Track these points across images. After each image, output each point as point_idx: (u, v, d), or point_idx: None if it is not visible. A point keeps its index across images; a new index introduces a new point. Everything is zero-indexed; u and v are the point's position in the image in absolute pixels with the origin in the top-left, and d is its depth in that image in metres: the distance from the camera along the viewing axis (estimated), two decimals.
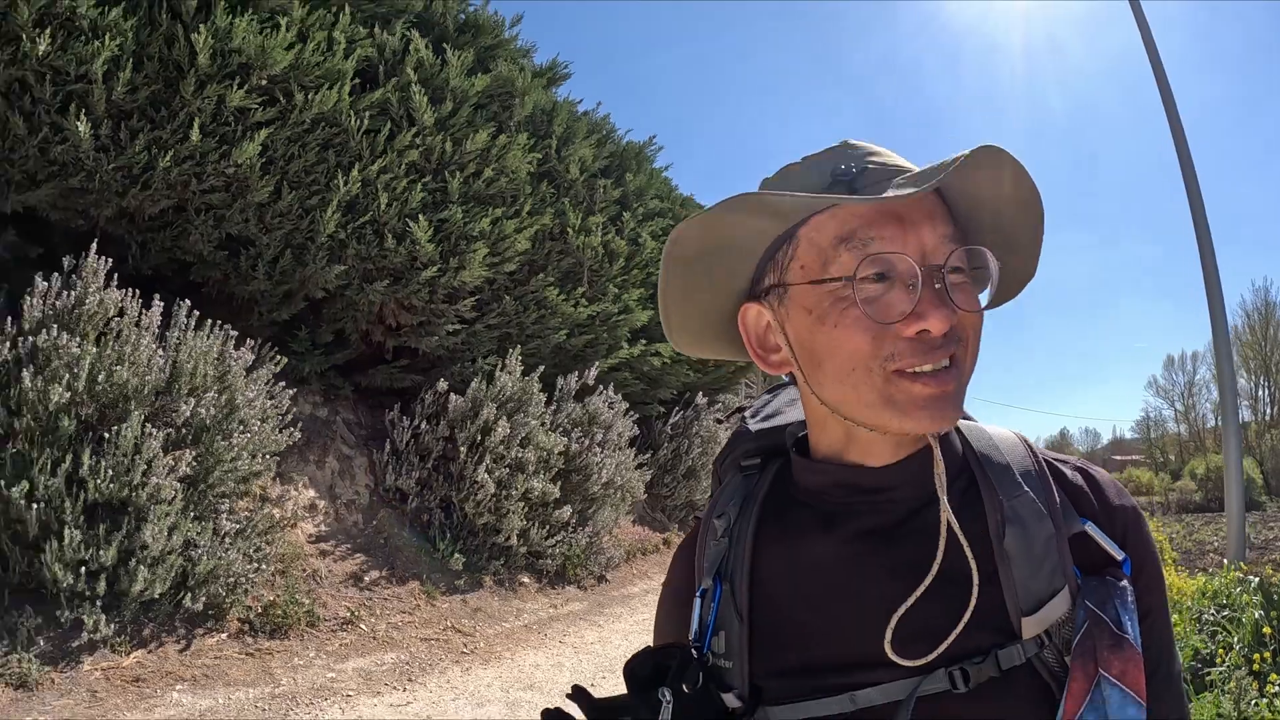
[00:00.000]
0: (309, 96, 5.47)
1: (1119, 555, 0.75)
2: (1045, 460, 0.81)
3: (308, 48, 5.41)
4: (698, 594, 0.84)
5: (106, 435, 4.12)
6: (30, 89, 4.54)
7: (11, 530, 4.07)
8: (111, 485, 4.03)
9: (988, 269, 0.75)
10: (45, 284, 4.40)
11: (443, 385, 6.73)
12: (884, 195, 0.69)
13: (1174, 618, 5.44)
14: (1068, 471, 0.81)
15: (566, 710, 0.74)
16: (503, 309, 7.20)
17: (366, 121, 5.82)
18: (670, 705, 0.73)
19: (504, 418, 6.60)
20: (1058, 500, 0.76)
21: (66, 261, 4.58)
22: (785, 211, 0.76)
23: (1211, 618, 4.88)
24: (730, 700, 0.78)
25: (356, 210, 5.88)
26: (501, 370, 6.92)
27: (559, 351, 8.01)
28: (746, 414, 1.00)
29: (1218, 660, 4.26)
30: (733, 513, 0.86)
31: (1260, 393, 35.09)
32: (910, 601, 0.72)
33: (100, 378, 4.18)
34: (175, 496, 4.21)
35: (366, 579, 5.71)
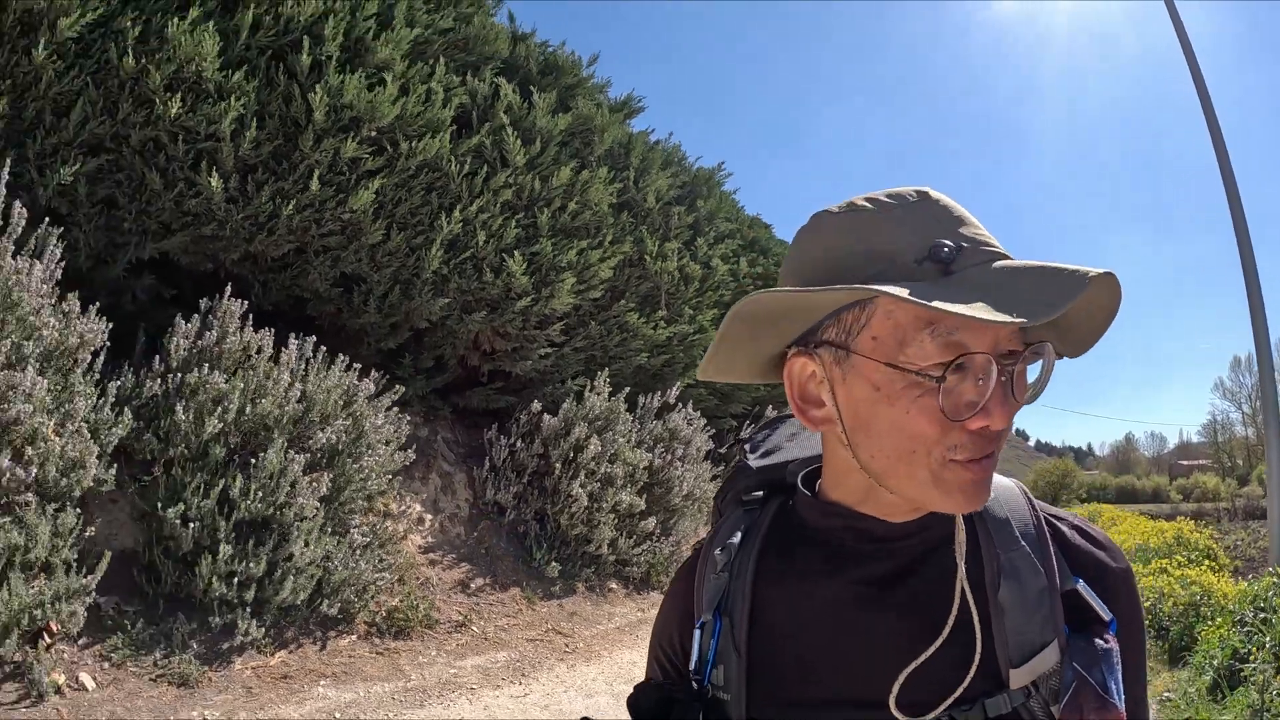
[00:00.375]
0: (413, 145, 5.89)
1: (1107, 616, 0.76)
2: (1044, 516, 0.83)
3: (410, 100, 5.84)
4: (697, 626, 0.85)
5: (254, 460, 4.56)
6: (164, 148, 5.02)
7: (164, 546, 4.53)
8: (259, 505, 4.46)
9: (1042, 355, 0.74)
10: (185, 324, 4.88)
11: (536, 406, 7.11)
12: (997, 318, 0.63)
13: (1218, 620, 5.53)
14: (1065, 529, 0.82)
15: None
16: (588, 333, 7.57)
17: (466, 165, 6.24)
18: None
19: (594, 435, 6.95)
20: (1053, 556, 0.78)
21: (203, 303, 5.06)
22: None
23: (1249, 619, 5.01)
24: None
25: (457, 247, 6.29)
26: (590, 391, 7.28)
27: (639, 371, 8.34)
28: (746, 447, 1.00)
29: (1251, 658, 4.44)
30: (733, 546, 0.87)
31: None
32: (919, 662, 0.73)
33: (246, 410, 4.63)
34: (317, 514, 4.64)
35: (472, 586, 6.10)
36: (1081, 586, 0.76)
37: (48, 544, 3.75)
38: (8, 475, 3.60)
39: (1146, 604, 7.33)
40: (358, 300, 6.08)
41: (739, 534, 0.87)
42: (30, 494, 3.79)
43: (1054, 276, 0.65)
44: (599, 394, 7.26)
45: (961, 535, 0.76)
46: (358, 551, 4.97)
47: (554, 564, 6.63)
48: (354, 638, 4.97)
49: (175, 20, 4.77)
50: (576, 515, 6.81)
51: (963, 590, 0.75)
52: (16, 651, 3.63)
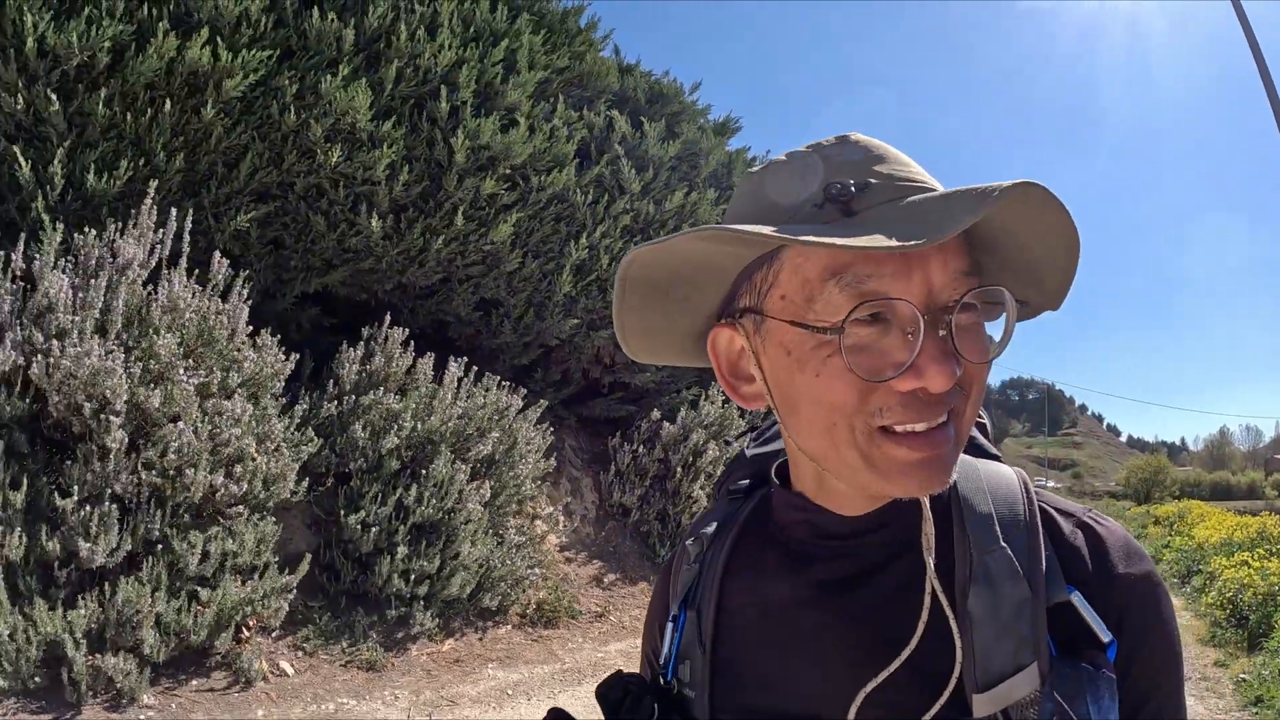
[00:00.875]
0: (542, 179, 6.34)
1: (1105, 637, 0.63)
2: (1044, 510, 0.70)
3: (538, 138, 6.29)
4: (669, 619, 0.80)
5: (424, 471, 5.06)
6: (326, 193, 5.56)
7: (342, 548, 5.05)
8: (429, 510, 4.95)
9: (1002, 305, 0.64)
10: (353, 350, 5.41)
11: (656, 414, 7.50)
12: (878, 244, 0.55)
13: None
14: (1066, 527, 0.69)
15: None
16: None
17: (589, 195, 6.67)
18: None
19: (711, 440, 7.30)
20: (1043, 561, 0.65)
21: (365, 331, 5.60)
22: (760, 242, 0.63)
23: None
24: None
25: (583, 271, 6.72)
26: (704, 399, 7.62)
27: None
28: (751, 435, 0.92)
29: None
30: (706, 538, 0.81)
31: None
32: (878, 680, 0.64)
33: (417, 426, 5.13)
34: (481, 518, 5.12)
35: (605, 580, 6.52)
36: (1077, 599, 0.63)
37: (253, 549, 4.28)
38: (221, 491, 4.14)
39: (1228, 594, 7.35)
40: (495, 322, 6.57)
41: (714, 525, 0.82)
42: (241, 506, 4.34)
43: (962, 197, 0.57)
44: (712, 402, 7.60)
45: (929, 528, 0.65)
46: (512, 550, 5.43)
47: None
48: (509, 627, 5.43)
49: (328, 77, 5.30)
50: (693, 512, 7.17)
51: (934, 595, 0.64)
52: (227, 644, 4.16)
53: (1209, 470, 52.34)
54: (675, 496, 7.27)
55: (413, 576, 4.87)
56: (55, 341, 3.70)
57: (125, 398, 3.73)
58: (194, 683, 3.97)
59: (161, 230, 4.33)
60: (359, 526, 4.81)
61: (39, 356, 3.65)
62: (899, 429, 0.60)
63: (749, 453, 0.88)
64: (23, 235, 4.03)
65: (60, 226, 4.15)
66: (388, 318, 5.59)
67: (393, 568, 4.80)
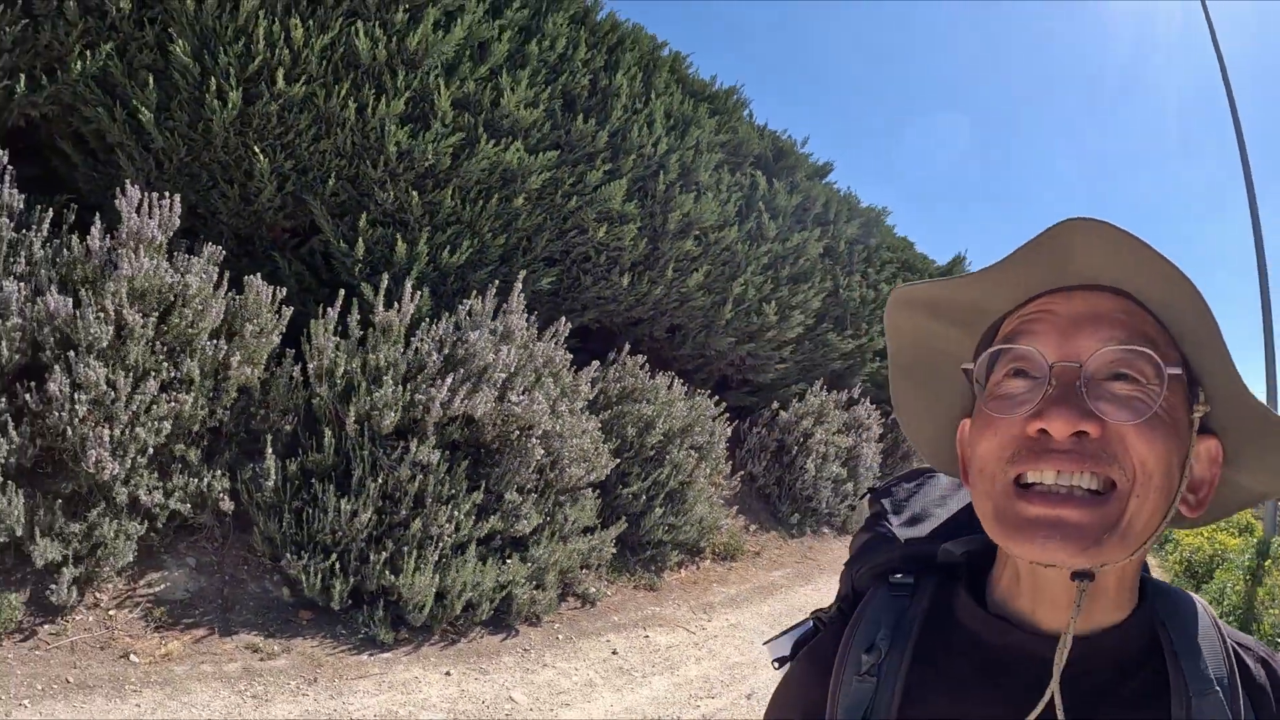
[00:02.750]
0: (717, 234, 8.21)
1: None
2: (1232, 646, 0.65)
3: (715, 204, 8.13)
4: None
5: (666, 455, 7.07)
6: (591, 258, 7.41)
7: (611, 510, 7.06)
8: (675, 483, 7.00)
9: (1163, 377, 0.61)
10: (604, 369, 7.35)
11: (775, 405, 9.54)
12: (971, 274, 0.63)
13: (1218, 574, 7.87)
14: (1250, 663, 0.65)
15: None
16: (804, 349, 9.92)
17: (745, 245, 8.56)
18: None
19: (817, 426, 9.37)
20: (1243, 705, 0.61)
21: (611, 355, 7.52)
22: (946, 310, 0.69)
23: None
24: None
25: (739, 301, 8.65)
26: (809, 393, 9.67)
27: (833, 374, 10.70)
28: (886, 507, 0.85)
29: None
30: (883, 646, 0.71)
31: None
32: None
33: (668, 426, 7.13)
34: (703, 487, 7.18)
35: (751, 529, 8.63)
36: None
37: (591, 514, 6.27)
38: (580, 477, 6.11)
39: (1185, 554, 9.63)
40: (678, 340, 8.51)
41: (885, 631, 0.72)
42: (588, 488, 6.31)
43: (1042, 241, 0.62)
44: (815, 395, 9.65)
45: (1071, 625, 0.61)
46: (715, 508, 7.51)
47: (795, 515, 9.14)
48: (708, 561, 7.54)
49: (590, 170, 7.09)
50: (806, 482, 9.28)
51: (1051, 702, 0.61)
52: (575, 579, 6.16)
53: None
54: (790, 468, 9.36)
55: (663, 528, 6.92)
56: (487, 388, 5.60)
57: (544, 426, 5.67)
58: (564, 604, 5.99)
59: (514, 298, 6.19)
60: (630, 495, 6.82)
61: (467, 399, 5.55)
62: (1031, 478, 0.60)
63: (900, 534, 0.81)
64: (396, 300, 5.88)
65: (426, 291, 5.96)
66: (626, 346, 7.52)
67: (654, 521, 6.84)
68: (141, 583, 4.35)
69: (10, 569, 4.03)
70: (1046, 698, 0.60)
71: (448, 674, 4.48)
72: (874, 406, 10.82)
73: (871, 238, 11.26)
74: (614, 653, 5.30)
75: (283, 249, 5.77)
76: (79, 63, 4.82)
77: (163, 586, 4.39)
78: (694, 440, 7.38)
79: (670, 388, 7.41)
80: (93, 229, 4.35)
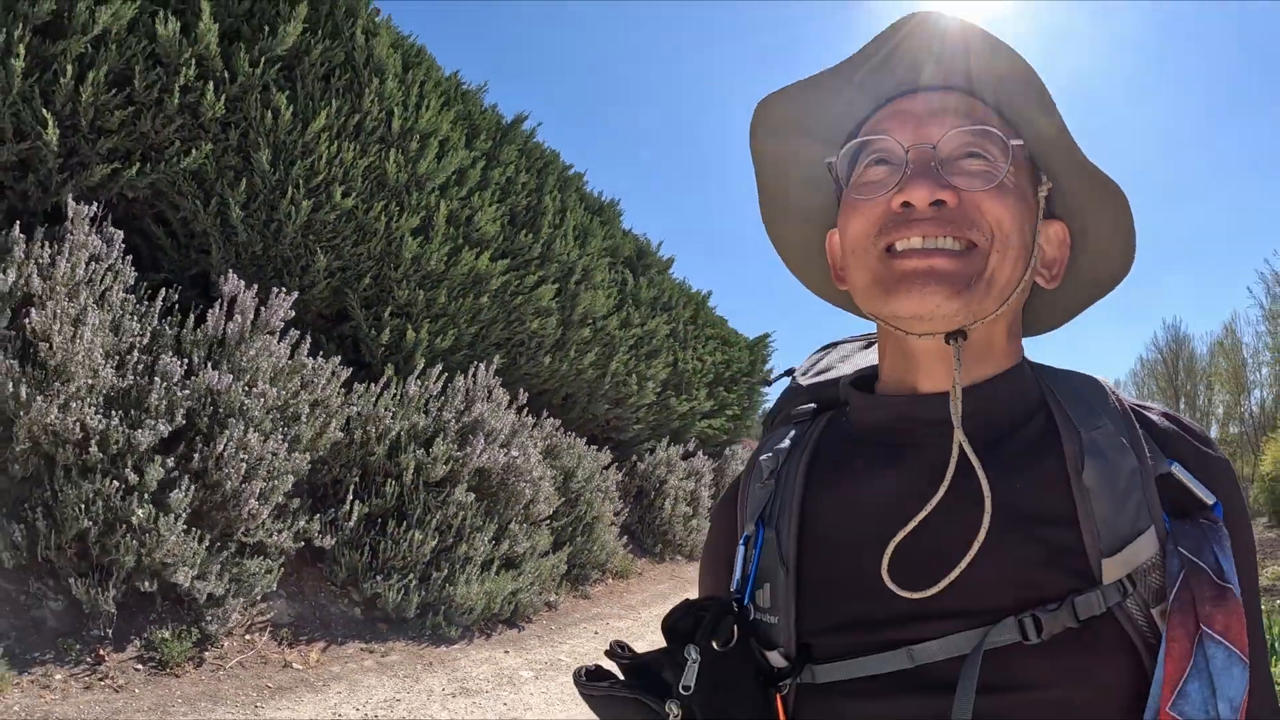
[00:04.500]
0: (601, 323, 9.83)
1: (1209, 499, 0.61)
2: (1129, 404, 0.68)
3: (601, 297, 9.76)
4: (741, 541, 0.71)
5: (573, 497, 8.47)
6: (524, 343, 8.72)
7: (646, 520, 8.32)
8: (586, 517, 8.40)
9: (1008, 151, 0.65)
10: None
11: (633, 458, 11.22)
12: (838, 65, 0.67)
13: None
14: (1154, 416, 0.67)
15: (605, 667, 0.66)
16: (654, 412, 11.73)
17: (619, 330, 10.26)
18: (696, 664, 0.61)
19: (669, 474, 11.17)
20: (1142, 438, 0.63)
21: (533, 421, 8.83)
22: (816, 130, 0.72)
23: None
24: (775, 659, 0.65)
25: (614, 375, 10.28)
26: (659, 448, 11.47)
27: (673, 432, 12.60)
28: (796, 371, 0.88)
29: None
30: (782, 454, 0.73)
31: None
32: (911, 526, 0.61)
33: (581, 475, 8.54)
34: (606, 520, 8.66)
35: (630, 556, 10.16)
36: (1178, 469, 0.62)
37: (549, 540, 7.52)
38: (541, 513, 7.36)
39: None
40: (569, 406, 9.95)
41: (787, 441, 0.74)
42: (545, 520, 7.55)
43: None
44: (663, 449, 11.48)
45: (957, 377, 0.63)
46: (611, 537, 8.98)
47: (658, 545, 10.82)
48: (611, 579, 8.95)
49: (529, 275, 8.49)
50: (664, 519, 11.00)
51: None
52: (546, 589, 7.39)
53: None
54: (650, 508, 11.04)
55: (586, 552, 8.28)
56: (494, 446, 6.78)
57: (535, 472, 6.92)
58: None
59: (490, 375, 7.42)
60: (561, 527, 8.14)
61: (485, 453, 6.72)
62: (899, 246, 0.63)
63: (804, 382, 0.83)
64: (418, 377, 6.99)
65: (435, 370, 7.06)
66: (544, 413, 8.87)
67: (577, 547, 8.19)
68: (255, 611, 5.08)
69: (159, 605, 4.67)
70: (957, 448, 0.61)
71: (506, 652, 5.65)
72: (706, 457, 12.84)
73: (698, 318, 13.44)
74: (595, 634, 6.64)
75: (323, 333, 6.59)
76: (179, 157, 5.53)
77: (273, 614, 5.14)
78: (597, 485, 8.85)
79: (583, 445, 8.87)
80: (210, 313, 5.14)
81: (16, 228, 4.68)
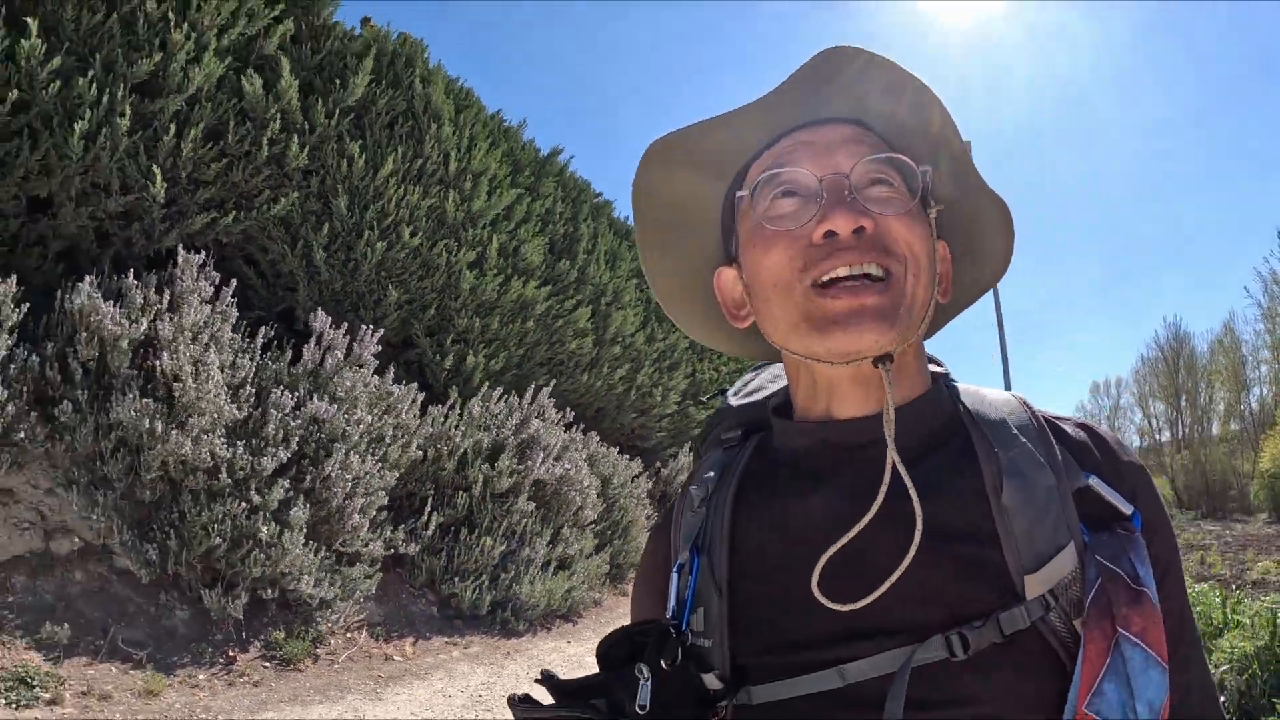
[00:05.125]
0: (629, 340, 10.35)
1: (1127, 509, 0.62)
2: (1045, 418, 0.68)
3: (631, 316, 10.28)
4: (674, 568, 0.71)
5: (611, 502, 9.00)
6: (564, 363, 9.24)
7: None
8: (623, 521, 8.93)
9: (914, 186, 0.66)
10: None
11: (657, 465, 11.75)
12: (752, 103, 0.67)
13: None
14: (1069, 428, 0.68)
15: (534, 696, 0.64)
16: (675, 421, 12.27)
17: (646, 345, 10.78)
18: (649, 682, 0.61)
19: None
20: (1058, 453, 0.64)
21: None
22: (698, 158, 0.71)
23: None
24: (711, 681, 0.64)
25: (640, 388, 10.80)
26: (680, 454, 12.01)
27: (692, 439, 13.14)
28: (729, 390, 0.89)
29: None
30: (711, 482, 0.74)
31: (1176, 416, 32.84)
32: (842, 542, 0.61)
33: (618, 482, 9.07)
34: (640, 522, 9.21)
35: None
36: (1095, 481, 0.62)
37: (593, 542, 8.04)
38: (587, 518, 7.88)
39: None
40: (600, 418, 10.47)
41: (716, 470, 0.75)
42: (589, 525, 8.06)
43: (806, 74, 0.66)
44: (684, 455, 12.02)
45: (889, 399, 0.62)
46: (645, 538, 9.53)
47: None
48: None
49: (568, 300, 9.01)
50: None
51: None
52: (593, 587, 7.91)
53: None
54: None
55: (623, 553, 8.80)
56: (550, 459, 7.30)
57: (584, 482, 7.44)
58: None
59: (544, 395, 7.94)
60: (602, 529, 8.66)
61: (543, 466, 7.24)
62: (825, 278, 0.62)
63: (734, 403, 0.84)
64: (482, 399, 7.51)
65: (496, 392, 7.58)
66: (580, 426, 9.40)
67: (616, 548, 8.71)
68: (355, 612, 5.59)
69: (271, 610, 5.18)
70: (889, 469, 0.61)
71: (568, 642, 6.20)
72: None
73: None
74: None
75: (391, 360, 7.10)
76: (269, 204, 6.03)
77: (365, 614, 5.65)
78: (630, 490, 9.38)
79: (615, 454, 9.40)
80: (305, 348, 5.65)
81: (131, 274, 5.19)
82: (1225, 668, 3.90)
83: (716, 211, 0.75)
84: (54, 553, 4.75)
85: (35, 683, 3.83)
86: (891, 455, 0.61)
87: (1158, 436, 34.35)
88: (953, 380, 0.74)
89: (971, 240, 0.74)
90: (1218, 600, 4.82)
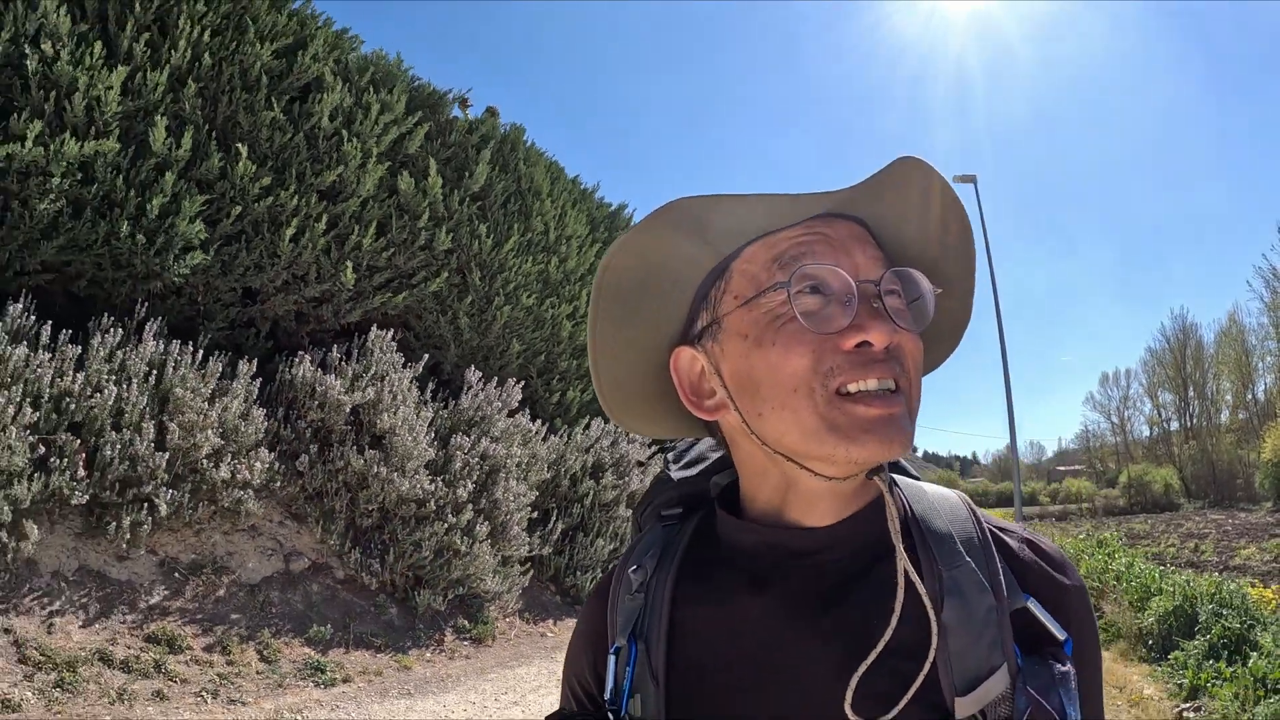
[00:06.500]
0: None
1: (1061, 635, 0.62)
2: (990, 529, 0.68)
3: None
4: (611, 651, 0.70)
5: None
6: None
7: None
8: None
9: (924, 298, 0.66)
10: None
11: None
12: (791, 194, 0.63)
13: None
14: (1013, 543, 0.68)
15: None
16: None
17: None
18: None
19: None
20: (1000, 572, 0.64)
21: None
22: (713, 233, 0.66)
23: None
24: None
25: None
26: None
27: None
28: (669, 457, 0.86)
29: None
30: (649, 566, 0.72)
31: (1184, 406, 33.54)
32: (869, 661, 0.60)
33: None
34: None
35: None
36: (1033, 604, 0.63)
37: None
38: None
39: None
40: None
41: (654, 553, 0.73)
42: None
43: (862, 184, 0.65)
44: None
45: (893, 511, 0.62)
46: None
47: None
48: None
49: None
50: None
51: (909, 584, 0.61)
52: None
53: (995, 481, 50.81)
54: None
55: None
56: (638, 472, 8.96)
57: None
58: None
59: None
60: None
61: (638, 478, 8.90)
62: (853, 389, 0.60)
63: (674, 475, 0.82)
64: (581, 428, 9.17)
65: (595, 422, 9.22)
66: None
67: None
68: (510, 602, 7.28)
69: (452, 603, 6.85)
70: (903, 580, 0.61)
71: None
72: None
73: None
74: None
75: None
76: (425, 283, 7.61)
77: (519, 603, 7.34)
78: None
79: None
80: (464, 396, 7.28)
81: (335, 349, 6.81)
82: (1153, 619, 5.68)
83: (694, 284, 0.69)
84: (292, 571, 6.38)
85: (327, 669, 5.43)
86: (901, 563, 0.61)
87: (1167, 426, 34.94)
88: (894, 479, 0.71)
89: (930, 329, 0.71)
90: (1156, 574, 6.63)
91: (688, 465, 0.82)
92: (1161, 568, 7.52)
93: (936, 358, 0.77)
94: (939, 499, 0.70)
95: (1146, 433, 36.69)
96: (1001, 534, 0.68)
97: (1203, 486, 27.77)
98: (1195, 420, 32.83)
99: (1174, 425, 33.94)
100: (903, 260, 0.69)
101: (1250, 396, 30.92)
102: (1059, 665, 0.60)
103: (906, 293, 0.65)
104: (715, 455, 0.81)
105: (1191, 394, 32.98)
